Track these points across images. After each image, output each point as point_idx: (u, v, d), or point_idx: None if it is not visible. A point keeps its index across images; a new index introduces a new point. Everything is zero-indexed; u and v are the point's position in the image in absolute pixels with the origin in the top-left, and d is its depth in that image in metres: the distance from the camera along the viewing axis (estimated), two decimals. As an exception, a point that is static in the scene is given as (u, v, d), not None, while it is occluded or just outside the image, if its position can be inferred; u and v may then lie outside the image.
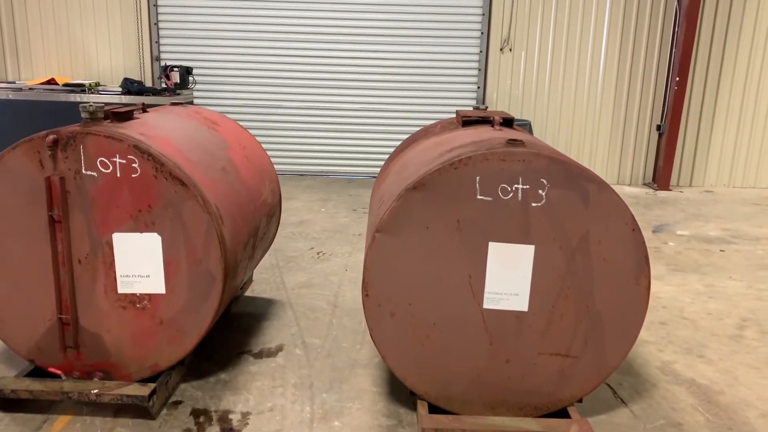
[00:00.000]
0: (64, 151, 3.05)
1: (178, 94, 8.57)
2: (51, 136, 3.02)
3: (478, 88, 9.22)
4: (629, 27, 8.96)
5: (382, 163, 9.46)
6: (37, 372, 3.32)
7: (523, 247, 2.90)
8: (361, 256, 5.76)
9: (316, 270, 5.37)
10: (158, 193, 3.08)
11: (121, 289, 3.19)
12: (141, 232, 3.13)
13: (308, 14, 9.04)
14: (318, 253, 5.82)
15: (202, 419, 3.14)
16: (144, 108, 3.81)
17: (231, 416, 3.18)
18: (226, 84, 9.31)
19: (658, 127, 9.25)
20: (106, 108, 3.36)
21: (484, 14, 8.97)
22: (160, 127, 3.43)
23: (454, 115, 9.17)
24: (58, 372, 3.27)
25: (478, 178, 2.84)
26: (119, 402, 3.07)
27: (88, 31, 9.16)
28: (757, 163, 9.39)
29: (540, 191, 2.84)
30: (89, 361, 3.29)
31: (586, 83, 9.18)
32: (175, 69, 8.66)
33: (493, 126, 3.57)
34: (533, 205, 2.85)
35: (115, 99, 8.27)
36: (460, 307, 2.98)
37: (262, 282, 5.03)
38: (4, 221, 3.13)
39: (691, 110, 9.20)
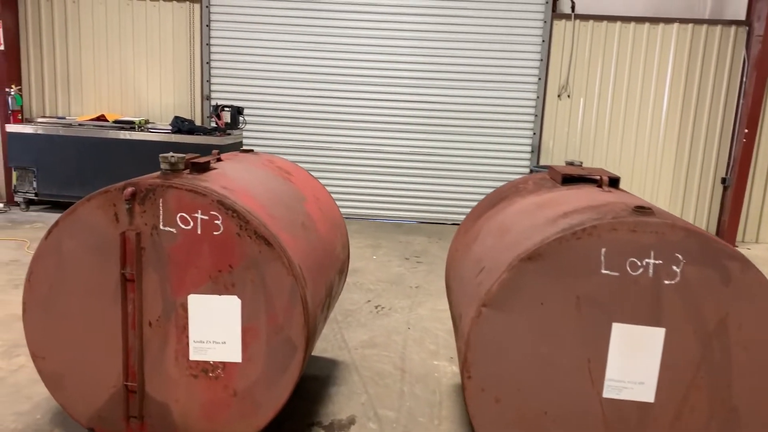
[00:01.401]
0: (141, 205, 2.82)
1: (229, 134, 8.46)
2: (129, 189, 2.79)
3: (534, 134, 8.95)
4: (694, 75, 8.65)
5: (432, 208, 9.19)
6: (96, 442, 3.04)
7: (653, 330, 2.56)
8: (421, 311, 5.44)
9: (377, 327, 5.05)
10: (241, 253, 2.82)
11: (193, 356, 2.91)
12: (220, 295, 2.86)
13: (362, 56, 8.92)
14: (376, 307, 5.50)
15: (276, 507, 2.81)
16: (219, 156, 3.59)
17: (308, 505, 2.84)
18: (275, 125, 9.18)
19: (723, 180, 8.84)
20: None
21: (542, 60, 8.75)
22: (240, 179, 3.19)
23: (511, 161, 8.94)
24: (121, 444, 2.98)
25: (604, 250, 2.52)
26: (188, 485, 2.76)
27: (139, 68, 9.15)
28: (828, 221, 8.90)
29: (674, 267, 2.51)
30: (153, 432, 3.00)
31: (647, 133, 8.85)
32: (227, 109, 8.59)
33: (600, 186, 3.26)
34: (666, 282, 2.52)
35: (165, 137, 8.19)
36: (576, 395, 2.63)
37: (323, 339, 4.73)
38: (72, 278, 2.90)
39: (759, 164, 8.79)
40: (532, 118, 8.94)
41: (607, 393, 2.62)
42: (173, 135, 8.26)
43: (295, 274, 2.85)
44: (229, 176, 3.16)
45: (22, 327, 2.98)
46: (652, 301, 2.54)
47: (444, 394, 3.96)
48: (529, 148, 9.00)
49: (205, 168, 3.15)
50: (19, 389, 3.73)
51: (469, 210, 9.18)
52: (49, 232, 2.89)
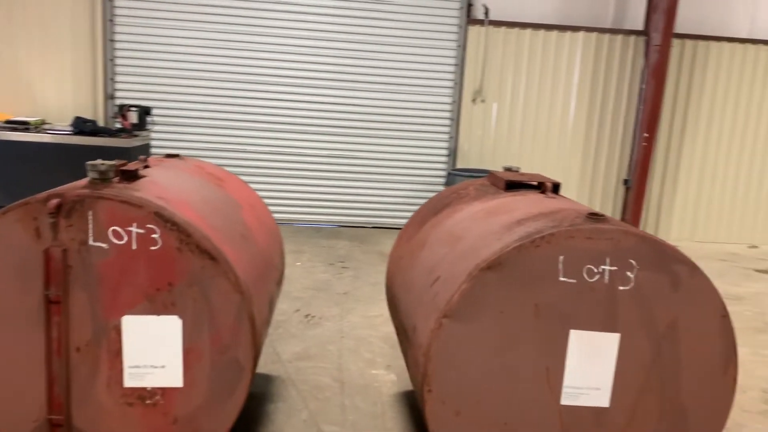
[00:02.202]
0: (68, 218, 2.54)
1: (136, 136, 7.96)
2: (54, 201, 2.51)
3: (450, 138, 9.06)
4: (598, 81, 9.08)
5: (351, 211, 9.10)
6: (13, 484, 2.71)
7: (608, 336, 2.59)
8: (353, 319, 5.33)
9: (310, 337, 4.89)
10: (182, 269, 2.60)
11: (128, 383, 2.66)
12: (158, 315, 2.63)
13: (277, 56, 8.68)
14: (306, 316, 5.34)
15: None
16: (147, 163, 3.32)
17: None
18: (186, 126, 8.76)
19: (626, 182, 9.34)
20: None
21: (457, 64, 8.87)
22: (174, 188, 2.96)
23: (428, 164, 8.97)
24: (44, 485, 2.67)
25: (561, 257, 2.52)
26: None
27: (34, 65, 8.44)
28: (718, 218, 9.60)
29: (628, 273, 2.55)
30: (81, 469, 2.71)
31: (556, 136, 9.20)
32: (133, 109, 8.07)
33: (544, 192, 3.30)
34: (620, 288, 2.56)
35: (65, 139, 7.60)
36: (535, 403, 2.62)
37: (253, 352, 4.51)
38: (-15, 301, 2.57)
39: (656, 165, 9.35)
40: (448, 122, 9.05)
41: (565, 400, 2.63)
42: (74, 137, 7.65)
43: (241, 290, 2.66)
44: (162, 185, 2.92)
45: None
46: (608, 307, 2.57)
47: (386, 405, 3.88)
48: (446, 152, 9.10)
49: (135, 176, 2.89)
50: None
51: (388, 213, 9.21)
52: (-44, 250, 2.55)
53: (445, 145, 9.10)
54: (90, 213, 2.54)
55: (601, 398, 2.64)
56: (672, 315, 2.59)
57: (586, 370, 2.61)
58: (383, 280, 6.57)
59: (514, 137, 9.17)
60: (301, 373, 4.24)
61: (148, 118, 8.22)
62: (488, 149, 9.17)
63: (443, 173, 9.14)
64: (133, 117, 8.06)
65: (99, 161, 2.65)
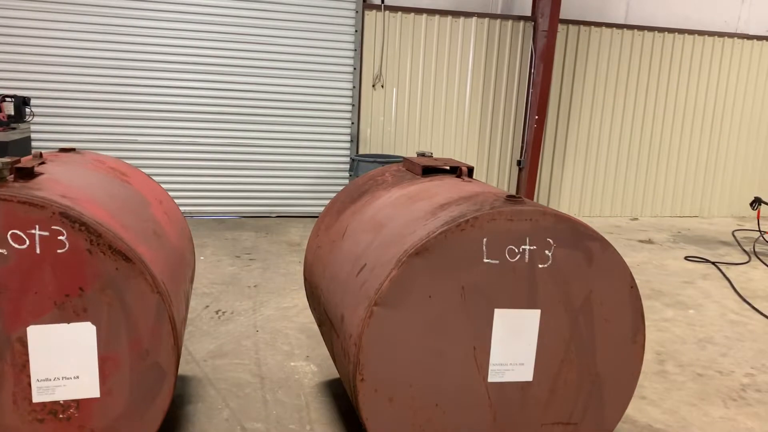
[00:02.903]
0: (-43, 223, 2.29)
1: (14, 128, 7.33)
2: (-60, 204, 2.25)
3: (352, 123, 9.05)
4: (491, 66, 9.38)
5: (254, 201, 8.89)
6: None
7: (529, 312, 2.70)
8: (266, 311, 5.23)
9: (223, 333, 4.75)
10: (94, 272, 2.43)
11: (37, 398, 2.46)
12: (68, 323, 2.44)
13: (168, 41, 8.26)
14: (217, 312, 5.18)
15: None
16: (42, 159, 3.06)
17: None
18: (69, 116, 8.16)
19: (519, 162, 9.74)
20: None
21: (356, 50, 8.85)
22: (77, 185, 2.75)
23: (331, 151, 8.92)
24: None
25: (485, 239, 2.59)
26: None
27: None
28: (601, 194, 10.25)
29: (546, 251, 2.66)
30: (-13, 495, 2.49)
31: (453, 120, 9.43)
32: (8, 99, 7.43)
33: (460, 177, 3.36)
34: (540, 266, 2.67)
35: (-70, 134, 6.87)
36: (464, 383, 2.69)
37: (165, 353, 4.31)
38: None
39: (546, 146, 9.83)
40: (349, 108, 9.02)
41: (492, 377, 2.72)
42: (-59, 131, 6.95)
43: (160, 290, 2.53)
44: (63, 182, 2.70)
45: None
46: (529, 285, 2.68)
47: (309, 396, 3.84)
48: (348, 138, 9.08)
49: (31, 173, 2.66)
50: None
51: (293, 201, 9.08)
52: None
53: (347, 131, 9.07)
54: (-16, 216, 2.30)
55: (525, 373, 2.75)
56: (587, 289, 2.74)
57: (510, 347, 2.71)
58: (294, 270, 6.49)
59: (414, 122, 9.30)
60: (218, 372, 4.11)
61: (27, 109, 7.59)
62: (389, 134, 9.25)
63: (346, 159, 9.12)
64: (9, 108, 7.42)
65: (-9, 159, 2.41)
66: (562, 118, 9.85)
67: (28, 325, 2.41)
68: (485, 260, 2.61)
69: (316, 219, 8.85)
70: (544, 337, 2.74)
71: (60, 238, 2.38)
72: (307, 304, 5.37)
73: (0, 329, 2.39)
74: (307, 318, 5.12)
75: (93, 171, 3.17)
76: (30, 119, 7.68)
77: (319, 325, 3.63)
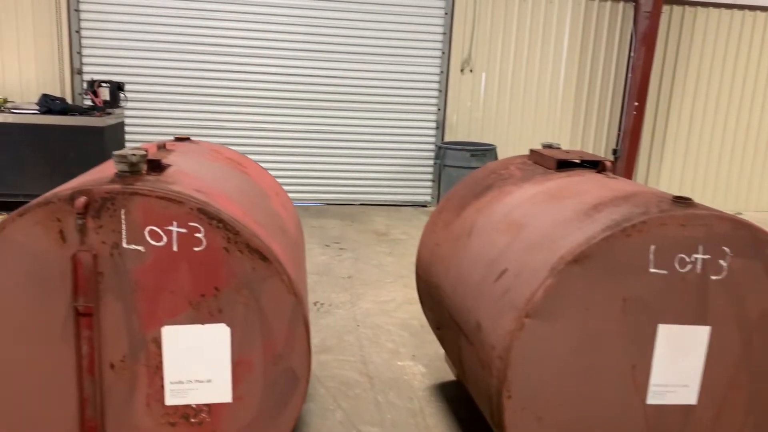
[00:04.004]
0: (97, 219, 2.20)
1: (109, 114, 7.45)
2: (82, 199, 2.16)
3: (438, 110, 8.78)
4: (587, 50, 8.90)
5: (338, 188, 8.77)
6: None
7: (698, 329, 2.41)
8: (364, 305, 5.08)
9: (324, 327, 4.63)
10: (230, 272, 2.29)
11: (170, 401, 2.36)
12: (203, 324, 2.32)
13: (257, 26, 8.21)
14: (315, 304, 5.07)
15: None
16: (166, 148, 2.96)
17: None
18: (160, 102, 8.24)
19: (614, 152, 9.25)
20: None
21: (445, 33, 8.56)
22: (207, 178, 2.63)
23: (416, 138, 8.64)
24: None
25: (653, 247, 2.31)
26: None
27: (-9, 38, 7.78)
28: (702, 187, 9.63)
29: (721, 261, 2.36)
30: (118, 497, 2.42)
31: (546, 107, 9.02)
32: (104, 84, 7.54)
33: (603, 172, 3.07)
34: (712, 278, 2.37)
35: (33, 119, 7.05)
36: (620, 404, 2.43)
37: (269, 347, 4.23)
38: (2, 316, 2.22)
39: (644, 134, 9.28)
40: (436, 93, 8.76)
41: (651, 399, 2.45)
42: (42, 116, 7.11)
43: (296, 292, 2.38)
44: (193, 175, 2.58)
45: (-71, 385, 2.26)
46: (699, 299, 2.38)
47: (422, 400, 3.66)
48: (434, 125, 8.83)
49: (162, 166, 2.55)
50: None
51: (377, 189, 8.89)
52: (-35, 259, 2.18)
53: (433, 117, 8.82)
54: (123, 212, 2.20)
55: (689, 396, 2.46)
56: (765, 304, 2.42)
57: (674, 367, 2.43)
58: (385, 261, 6.32)
59: (504, 108, 8.95)
60: (324, 368, 3.98)
61: (121, 94, 7.70)
62: (477, 121, 8.93)
63: (431, 147, 8.87)
64: (104, 93, 7.54)
65: (129, 151, 2.30)
66: (662, 105, 9.27)
67: (163, 325, 2.30)
68: (651, 270, 2.33)
69: (404, 207, 8.67)
70: (712, 357, 2.44)
71: (197, 235, 2.25)
72: (406, 299, 5.20)
73: (136, 329, 2.29)
74: (407, 314, 4.95)
75: (214, 162, 3.06)
76: (124, 105, 7.79)
77: (437, 328, 3.43)
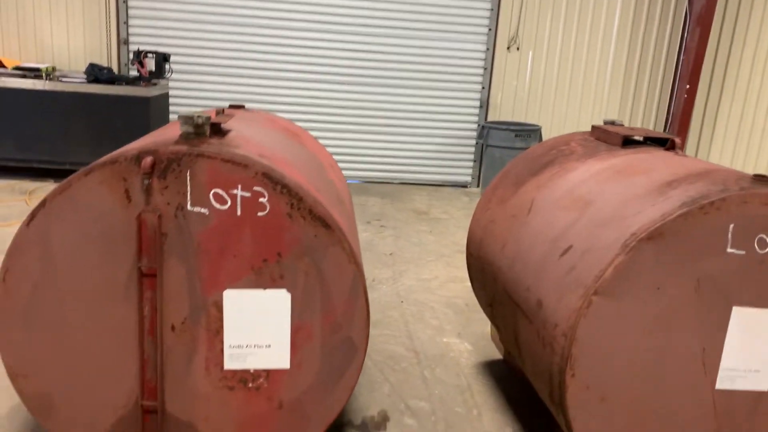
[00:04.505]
0: (162, 179, 2.18)
1: (155, 84, 7.49)
2: (148, 159, 2.14)
3: (483, 88, 8.63)
4: (638, 31, 8.63)
5: (378, 166, 8.71)
6: (99, 475, 2.43)
7: (774, 313, 2.31)
8: (407, 282, 5.04)
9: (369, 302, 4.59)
10: (292, 238, 2.27)
11: (229, 364, 2.36)
12: (264, 289, 2.30)
13: (304, 1, 8.13)
14: (358, 278, 5.03)
15: None
16: (225, 114, 2.93)
17: None
18: (204, 74, 8.25)
19: (662, 136, 8.98)
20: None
21: (492, 9, 8.38)
22: (268, 145, 2.60)
23: (459, 117, 8.46)
24: (137, 477, 2.39)
25: (732, 226, 2.21)
26: None
27: (39, 6, 7.85)
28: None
29: (803, 244, 2.25)
30: (175, 458, 2.43)
31: (592, 87, 8.80)
32: (150, 55, 7.57)
33: (672, 150, 2.96)
34: (793, 261, 2.26)
35: (80, 88, 7.13)
36: (688, 387, 2.35)
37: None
38: (65, 274, 2.23)
39: (693, 119, 9.00)
40: (481, 71, 8.60)
41: (721, 384, 2.36)
42: (89, 85, 7.19)
43: (357, 261, 2.34)
44: (253, 140, 2.55)
45: (-5, 340, 2.29)
46: (777, 282, 2.28)
47: (469, 377, 3.62)
48: (477, 103, 8.69)
49: (223, 130, 2.52)
50: (-32, 406, 2.99)
51: (418, 168, 8.80)
52: (32, 216, 2.19)
53: (476, 96, 8.67)
54: (188, 173, 2.18)
55: (761, 382, 2.37)
56: None
57: (746, 351, 2.33)
58: (426, 240, 6.27)
59: (550, 88, 8.75)
60: (370, 342, 3.95)
61: (167, 65, 7.73)
62: (521, 101, 8.76)
63: (473, 127, 8.74)
64: (150, 64, 7.57)
65: (195, 113, 2.28)
66: (715, 88, 8.96)
67: (224, 289, 2.29)
68: (728, 250, 2.23)
69: (443, 188, 8.56)
70: (787, 343, 2.34)
71: (261, 200, 2.22)
72: (449, 277, 5.15)
73: (198, 292, 2.28)
74: (451, 292, 4.90)
75: (271, 130, 3.02)
76: (169, 76, 7.83)
77: (489, 305, 3.38)
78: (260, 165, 2.21)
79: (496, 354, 3.91)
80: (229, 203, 2.22)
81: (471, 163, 8.84)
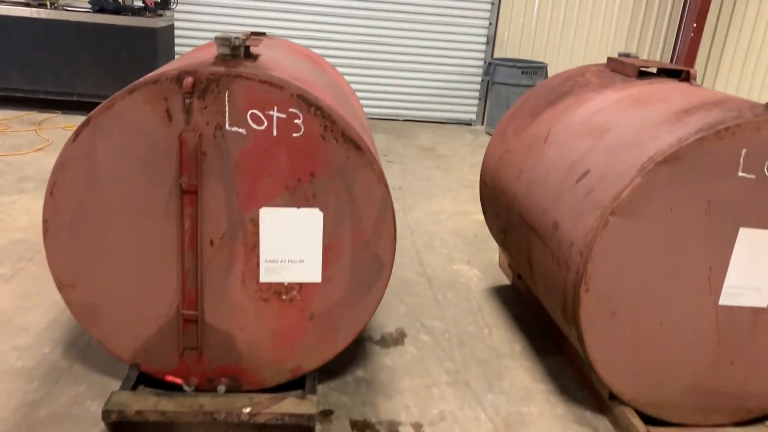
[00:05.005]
0: (201, 100, 2.27)
1: (161, 15, 7.42)
2: (189, 79, 2.22)
3: (490, 24, 8.56)
4: (648, -33, 8.53)
5: (382, 103, 8.72)
6: (142, 379, 2.61)
7: (778, 235, 2.45)
8: (416, 214, 5.18)
9: (380, 231, 4.74)
10: (325, 159, 2.37)
11: (264, 278, 2.50)
12: (298, 208, 2.42)
13: (309, -70, 7.97)
14: (369, 210, 5.17)
15: (370, 436, 2.57)
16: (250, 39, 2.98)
17: (401, 429, 2.62)
18: (208, 5, 8.14)
19: (666, 76, 8.99)
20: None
21: (501, -57, 8.23)
22: (297, 70, 2.67)
23: (465, 53, 8.37)
24: (178, 381, 2.57)
25: (744, 151, 2.33)
26: (279, 422, 2.43)
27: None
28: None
29: (809, 169, 2.37)
30: (212, 365, 2.61)
31: (599, 24, 8.73)
32: (156, -15, 7.46)
33: (687, 81, 3.04)
34: (799, 185, 2.39)
35: (85, 18, 7.05)
36: (693, 303, 2.52)
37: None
38: (109, 190, 2.34)
39: (698, 59, 8.99)
40: (488, 6, 8.51)
41: (724, 300, 2.53)
42: (95, 15, 7.11)
43: (385, 183, 2.46)
44: (284, 65, 2.62)
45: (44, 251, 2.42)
46: (783, 205, 2.41)
47: (480, 301, 3.80)
48: (484, 39, 8.63)
49: (252, 54, 2.59)
50: (9, 319, 3.15)
51: (422, 105, 8.81)
52: (77, 133, 2.28)
53: (483, 32, 8.61)
54: (226, 94, 2.26)
55: (761, 299, 2.54)
56: None
57: (749, 270, 2.49)
58: (433, 175, 6.38)
59: (557, 25, 8.69)
60: (384, 268, 4.12)
61: (171, -3, 7.63)
62: (528, 37, 8.71)
63: (479, 63, 8.71)
64: (156, -6, 7.47)
65: (232, 34, 2.34)
66: (721, 28, 8.92)
67: (261, 207, 2.41)
68: (740, 174, 2.36)
69: (447, 125, 8.60)
70: (788, 263, 2.50)
71: (296, 121, 2.32)
72: (456, 211, 5.29)
73: (235, 209, 2.40)
74: (459, 225, 5.04)
75: (295, 56, 3.08)
76: (174, 7, 7.74)
77: (502, 232, 3.52)
78: (295, 87, 2.30)
79: (504, 280, 4.08)
80: (265, 124, 2.31)
81: (476, 101, 8.86)
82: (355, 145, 2.37)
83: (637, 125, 2.61)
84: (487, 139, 8.19)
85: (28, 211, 4.45)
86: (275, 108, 2.30)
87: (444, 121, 8.88)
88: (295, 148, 2.35)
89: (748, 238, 2.44)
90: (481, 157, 6.96)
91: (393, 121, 8.76)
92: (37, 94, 7.17)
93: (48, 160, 5.57)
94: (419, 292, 3.85)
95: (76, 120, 6.78)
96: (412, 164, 6.70)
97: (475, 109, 8.89)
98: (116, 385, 2.62)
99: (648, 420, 2.64)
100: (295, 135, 2.33)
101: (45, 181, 4.94)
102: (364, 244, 2.51)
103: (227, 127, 2.30)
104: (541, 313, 3.49)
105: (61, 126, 6.67)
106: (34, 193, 4.77)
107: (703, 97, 2.66)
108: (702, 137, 2.30)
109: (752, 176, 2.37)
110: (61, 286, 2.46)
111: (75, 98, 7.14)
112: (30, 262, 3.72)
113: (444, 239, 4.73)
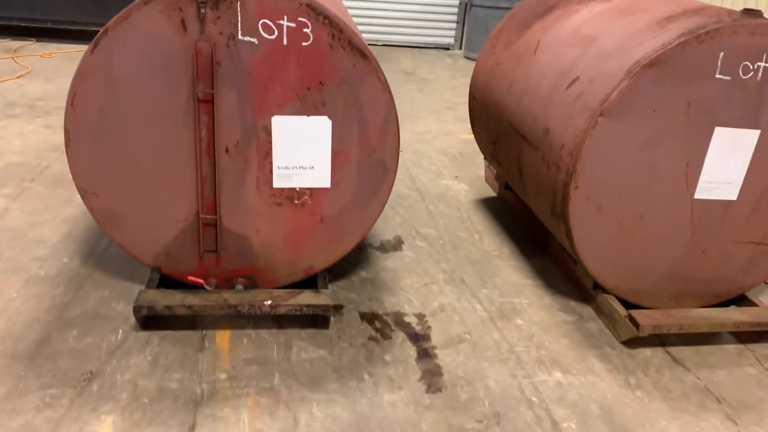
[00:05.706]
0: (215, 10, 2.36)
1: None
2: (203, -11, 2.31)
3: (468, -54, 8.49)
4: None
5: (361, 27, 8.69)
6: (163, 281, 2.80)
7: (749, 132, 2.68)
8: (404, 134, 5.33)
9: (370, 150, 4.90)
10: (333, 67, 2.50)
11: (277, 183, 2.67)
12: (308, 115, 2.57)
13: None
14: (357, 131, 5.31)
15: (378, 325, 2.81)
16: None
17: (406, 319, 2.87)
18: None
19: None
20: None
21: None
22: (300, -19, 2.74)
23: None
24: (199, 281, 2.76)
25: (722, 54, 2.52)
26: (297, 313, 2.65)
27: None
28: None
29: (780, 71, 2.58)
30: (230, 266, 2.80)
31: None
32: None
33: (668, -7, 3.19)
34: (770, 86, 2.60)
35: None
36: (671, 198, 2.76)
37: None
38: (127, 99, 2.45)
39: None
40: (466, -73, 8.42)
41: (699, 194, 2.77)
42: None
43: (389, 91, 2.60)
44: (287, -23, 2.70)
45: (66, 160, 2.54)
46: (755, 105, 2.63)
47: (469, 211, 4.03)
48: (462, -38, 8.58)
49: (257, -34, 2.65)
50: (24, 233, 3.28)
51: (401, 30, 8.80)
52: (95, 44, 2.37)
53: (461, -46, 8.55)
54: (239, 4, 2.36)
55: (731, 192, 2.79)
56: (812, 112, 2.67)
57: (722, 166, 2.73)
58: (416, 98, 6.50)
59: (534, -53, 8.64)
60: (377, 183, 4.31)
61: None
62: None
63: (457, -14, 8.69)
64: None
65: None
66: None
67: (272, 115, 2.54)
68: (717, 76, 2.55)
69: (426, 50, 8.63)
70: (756, 159, 2.74)
71: (305, 30, 2.43)
72: (441, 131, 5.46)
73: (248, 117, 2.54)
74: (445, 143, 5.22)
75: (293, -30, 3.13)
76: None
77: (491, 143, 3.70)
78: (304, -4, 2.40)
79: (491, 193, 4.31)
80: (276, 33, 2.42)
81: (454, 25, 8.88)
82: (362, 53, 2.50)
83: (623, 33, 2.77)
84: (466, 63, 8.28)
85: (21, 135, 4.49)
86: (285, 17, 2.40)
87: (423, 45, 8.91)
88: (304, 57, 2.47)
89: (722, 137, 2.67)
90: (461, 81, 7.09)
91: (373, 45, 8.76)
92: (9, 21, 7.01)
93: (30, 87, 5.55)
94: (412, 204, 4.05)
95: (52, 47, 6.68)
96: (395, 87, 6.79)
97: (453, 32, 8.92)
98: (137, 289, 2.81)
99: (627, 306, 2.93)
100: (304, 44, 2.45)
101: (32, 107, 4.98)
102: (370, 150, 2.68)
103: (240, 36, 2.41)
104: (527, 220, 3.73)
105: (38, 54, 6.57)
106: (23, 118, 4.79)
107: (685, 5, 2.82)
108: (684, 41, 2.48)
109: (728, 78, 2.57)
110: (84, 193, 2.59)
111: (50, 25, 6.99)
112: (33, 182, 3.81)
113: (431, 157, 4.91)
